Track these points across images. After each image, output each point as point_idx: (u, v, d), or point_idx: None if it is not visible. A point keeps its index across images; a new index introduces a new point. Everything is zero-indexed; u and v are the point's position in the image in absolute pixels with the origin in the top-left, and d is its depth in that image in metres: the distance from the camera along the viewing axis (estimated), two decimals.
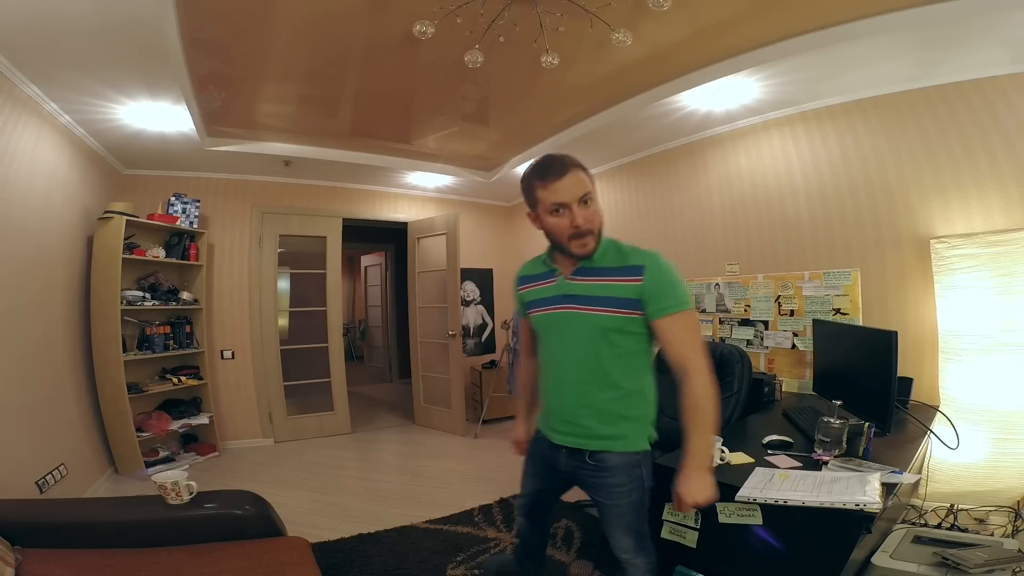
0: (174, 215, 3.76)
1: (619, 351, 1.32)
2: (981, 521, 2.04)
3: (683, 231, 3.67)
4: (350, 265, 9.63)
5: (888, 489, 1.40)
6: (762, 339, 3.11)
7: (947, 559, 1.41)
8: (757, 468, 1.60)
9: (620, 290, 1.29)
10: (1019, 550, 1.49)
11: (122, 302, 3.31)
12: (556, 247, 1.38)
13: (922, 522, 1.99)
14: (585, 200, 1.28)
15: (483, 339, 5.33)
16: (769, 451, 1.79)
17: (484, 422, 4.70)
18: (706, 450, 1.29)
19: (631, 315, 1.29)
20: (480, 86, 2.97)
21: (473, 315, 5.24)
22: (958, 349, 2.21)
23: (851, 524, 1.30)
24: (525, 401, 1.72)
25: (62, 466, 2.63)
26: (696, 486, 1.25)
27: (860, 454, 1.67)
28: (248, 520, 1.68)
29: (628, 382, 1.34)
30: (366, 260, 8.40)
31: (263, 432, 4.35)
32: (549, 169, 1.28)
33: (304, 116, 3.39)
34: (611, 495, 1.38)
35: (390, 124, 3.61)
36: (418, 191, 5.15)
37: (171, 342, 3.78)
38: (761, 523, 1.42)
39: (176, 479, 1.64)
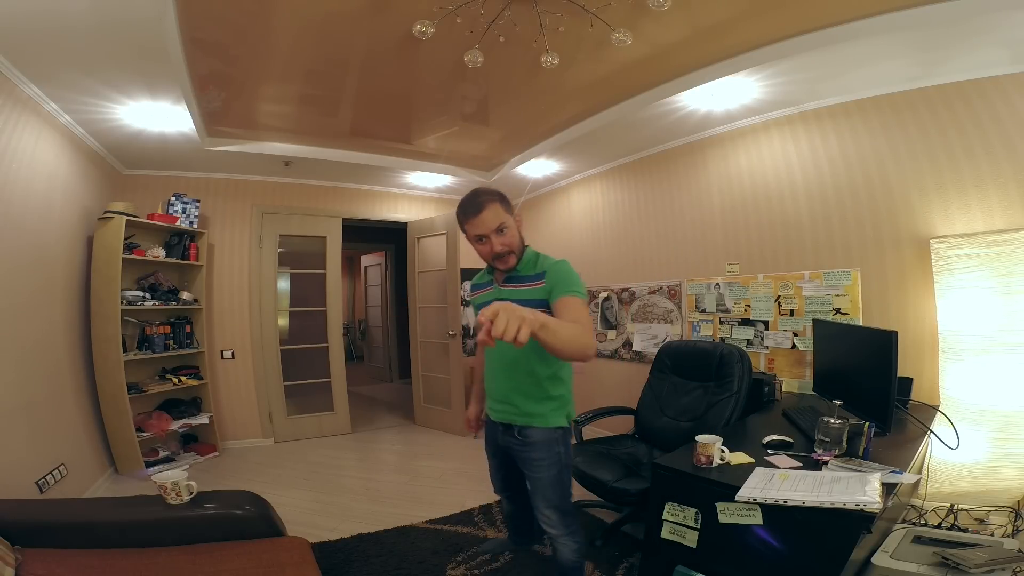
0: (174, 215, 3.76)
1: (536, 345, 1.38)
2: (981, 521, 2.04)
3: (683, 231, 3.67)
4: (350, 265, 9.63)
5: (888, 489, 1.39)
6: (762, 339, 3.11)
7: (947, 559, 1.41)
8: (757, 468, 1.60)
9: (533, 293, 1.58)
10: (1019, 550, 1.49)
11: (122, 302, 3.32)
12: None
13: (922, 522, 1.99)
14: (501, 230, 1.55)
15: None
16: (769, 451, 1.78)
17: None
18: (550, 324, 1.17)
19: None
20: (480, 86, 2.97)
21: (473, 315, 5.24)
22: (958, 349, 2.21)
23: (851, 524, 1.29)
24: (479, 387, 2.04)
25: (62, 466, 2.63)
26: (513, 309, 1.04)
27: (860, 454, 1.67)
28: (248, 520, 1.68)
29: (544, 369, 1.62)
30: (366, 260, 8.39)
31: (263, 432, 4.35)
32: (469, 207, 1.56)
33: (304, 116, 3.39)
34: (533, 467, 1.65)
35: (390, 124, 3.61)
36: (418, 191, 5.15)
37: (171, 342, 3.79)
38: (761, 523, 1.42)
39: (176, 479, 1.64)
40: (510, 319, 1.03)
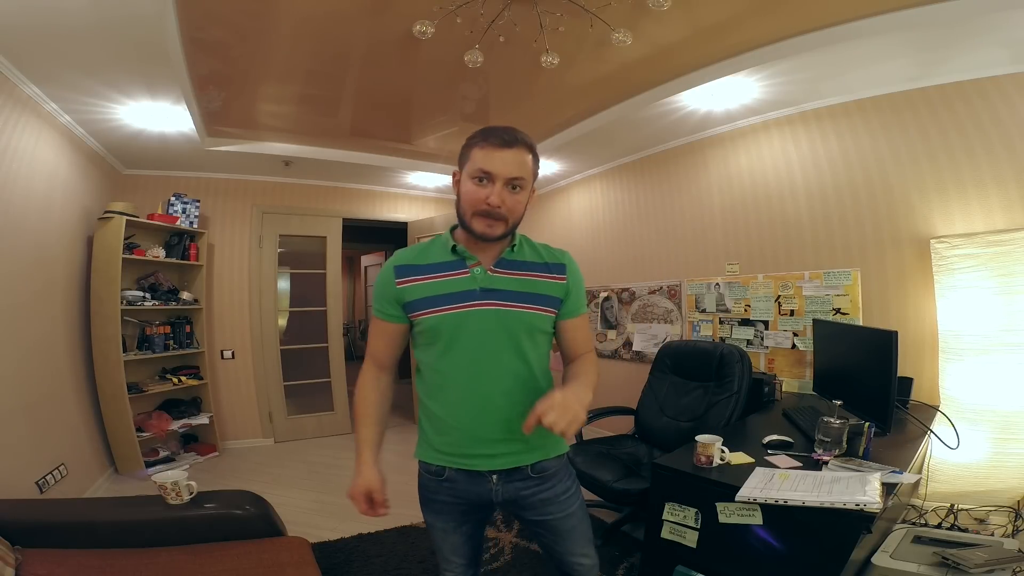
0: (174, 215, 3.76)
1: (540, 352, 1.20)
2: (981, 521, 2.04)
3: (683, 231, 3.67)
4: (350, 265, 9.62)
5: (888, 489, 1.40)
6: (762, 339, 3.11)
7: (947, 559, 1.41)
8: (757, 468, 1.60)
9: (548, 287, 1.18)
10: (1019, 550, 1.49)
11: (122, 302, 3.31)
12: (461, 224, 1.16)
13: (922, 522, 1.99)
14: (514, 185, 1.10)
15: None
16: (769, 451, 1.79)
17: None
18: (590, 392, 1.12)
19: (551, 313, 1.20)
20: (480, 86, 2.97)
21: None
22: (958, 349, 2.21)
23: (851, 524, 1.30)
24: (375, 431, 1.34)
25: (62, 466, 2.63)
26: (577, 397, 1.05)
27: (860, 454, 1.67)
28: (248, 520, 1.68)
29: (545, 375, 1.22)
30: (366, 260, 8.40)
31: (263, 432, 4.35)
32: (497, 134, 1.09)
33: (304, 116, 3.39)
34: (563, 505, 1.24)
35: (390, 124, 3.61)
36: (418, 191, 5.15)
37: (171, 342, 3.78)
38: (761, 523, 1.42)
39: (176, 479, 1.65)
40: (566, 415, 0.98)
